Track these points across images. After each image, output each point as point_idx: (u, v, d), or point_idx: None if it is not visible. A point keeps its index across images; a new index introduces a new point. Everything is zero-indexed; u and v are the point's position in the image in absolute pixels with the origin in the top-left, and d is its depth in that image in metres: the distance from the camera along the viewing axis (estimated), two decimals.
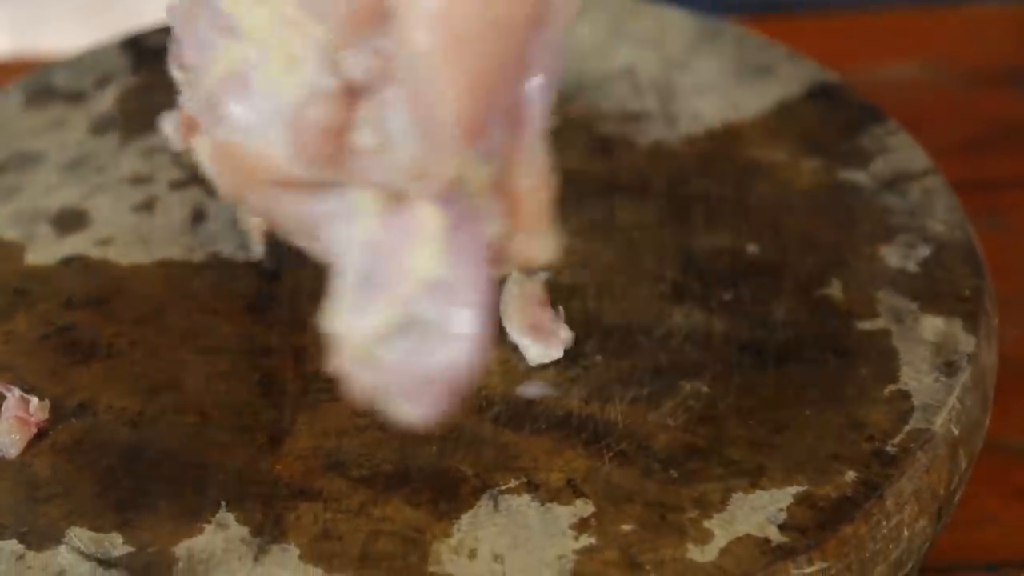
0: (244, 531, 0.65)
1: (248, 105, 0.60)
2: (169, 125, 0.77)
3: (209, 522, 0.65)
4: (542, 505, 0.65)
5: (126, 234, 0.79)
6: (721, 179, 0.79)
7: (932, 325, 0.72)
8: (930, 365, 0.70)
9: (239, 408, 0.70)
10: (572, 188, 0.70)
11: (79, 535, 0.65)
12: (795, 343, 0.71)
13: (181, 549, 0.64)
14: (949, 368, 0.70)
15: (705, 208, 0.78)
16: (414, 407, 0.59)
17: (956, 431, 0.68)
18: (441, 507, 0.65)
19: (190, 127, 0.65)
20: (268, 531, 0.65)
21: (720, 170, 0.80)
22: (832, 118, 0.83)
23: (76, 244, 0.78)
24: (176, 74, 0.66)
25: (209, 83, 0.61)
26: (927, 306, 0.73)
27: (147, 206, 0.80)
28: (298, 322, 0.73)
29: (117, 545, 0.65)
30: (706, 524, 0.64)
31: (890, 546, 0.65)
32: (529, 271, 0.72)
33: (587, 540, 0.64)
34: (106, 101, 0.86)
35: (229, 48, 0.61)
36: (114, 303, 0.75)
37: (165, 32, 0.90)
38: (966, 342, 0.71)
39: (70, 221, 0.79)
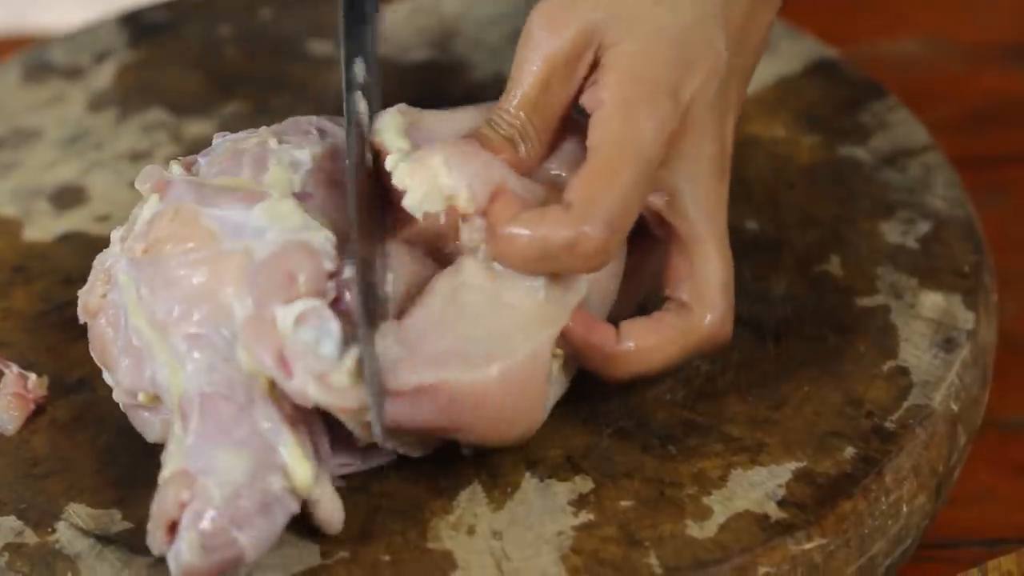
0: None
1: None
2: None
3: None
4: (541, 481, 0.65)
5: (124, 210, 0.78)
6: None
7: (931, 301, 0.72)
8: (929, 341, 0.70)
9: None
10: None
11: (78, 511, 0.65)
12: (794, 319, 0.71)
13: None
14: (948, 344, 0.70)
15: None
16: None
17: (955, 407, 0.68)
18: (440, 484, 0.65)
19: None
20: None
21: None
22: (832, 94, 0.82)
23: (74, 220, 0.78)
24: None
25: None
26: (926, 282, 0.73)
27: None
28: None
29: (116, 521, 0.65)
30: (705, 500, 0.64)
31: (889, 522, 0.65)
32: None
33: (586, 516, 0.64)
34: (104, 77, 0.86)
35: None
36: None
37: (163, 8, 0.90)
38: (965, 318, 0.71)
39: (68, 197, 0.79)
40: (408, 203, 0.64)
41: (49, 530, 0.65)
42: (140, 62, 0.87)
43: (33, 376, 0.69)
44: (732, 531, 0.63)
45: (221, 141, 0.69)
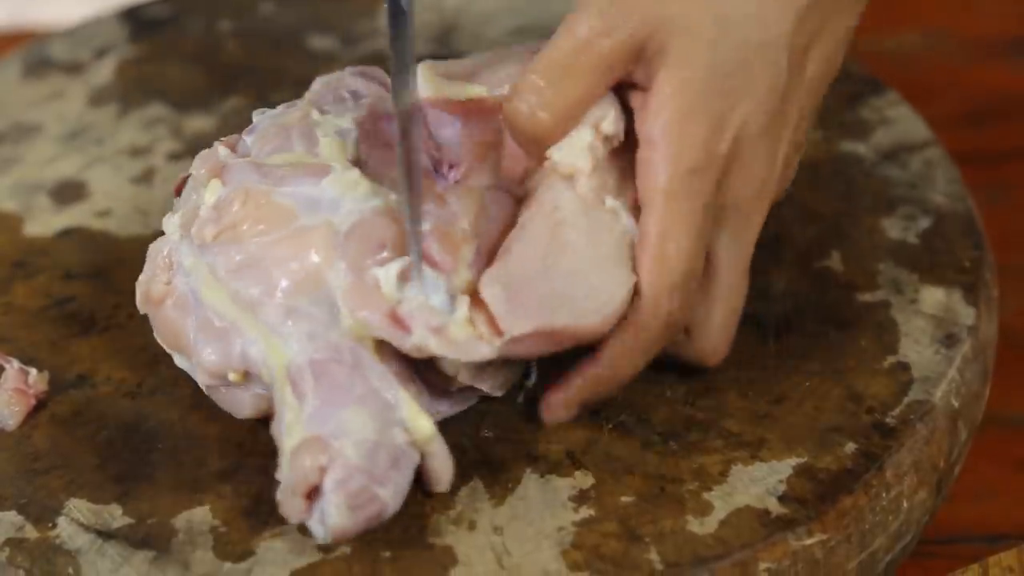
0: (243, 503, 0.65)
1: None
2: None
3: (208, 493, 0.65)
4: (541, 477, 0.65)
5: (125, 206, 0.78)
6: None
7: (932, 297, 0.72)
8: (930, 337, 0.70)
9: None
10: None
11: (78, 506, 0.65)
12: (795, 315, 0.71)
13: (180, 520, 0.64)
14: (949, 340, 0.70)
15: None
16: None
17: (956, 403, 0.68)
18: None
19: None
20: (267, 502, 0.65)
21: None
22: (832, 89, 0.82)
23: (75, 216, 0.78)
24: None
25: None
26: (927, 278, 0.73)
27: (146, 178, 0.80)
28: None
29: (116, 516, 0.65)
30: (706, 496, 0.64)
31: (890, 518, 0.65)
32: None
33: (586, 512, 0.64)
34: (104, 72, 0.86)
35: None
36: (113, 275, 0.75)
37: (163, 3, 0.90)
38: (966, 314, 0.71)
39: (69, 193, 0.79)
40: (565, 148, 0.65)
41: (50, 525, 0.65)
42: (140, 57, 0.87)
43: (34, 371, 0.69)
44: (733, 527, 0.63)
45: (263, 117, 0.69)
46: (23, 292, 0.74)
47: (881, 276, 0.73)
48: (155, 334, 0.68)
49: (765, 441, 0.66)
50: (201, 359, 0.65)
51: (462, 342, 0.63)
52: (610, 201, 0.66)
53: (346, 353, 0.63)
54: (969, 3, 1.07)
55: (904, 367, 0.69)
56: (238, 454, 0.67)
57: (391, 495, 0.62)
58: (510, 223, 0.66)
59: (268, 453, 0.66)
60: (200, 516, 0.64)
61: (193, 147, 0.81)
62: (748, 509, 0.64)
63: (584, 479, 0.65)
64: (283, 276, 0.64)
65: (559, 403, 0.66)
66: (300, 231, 0.65)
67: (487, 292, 0.63)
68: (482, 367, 0.65)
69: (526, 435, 0.67)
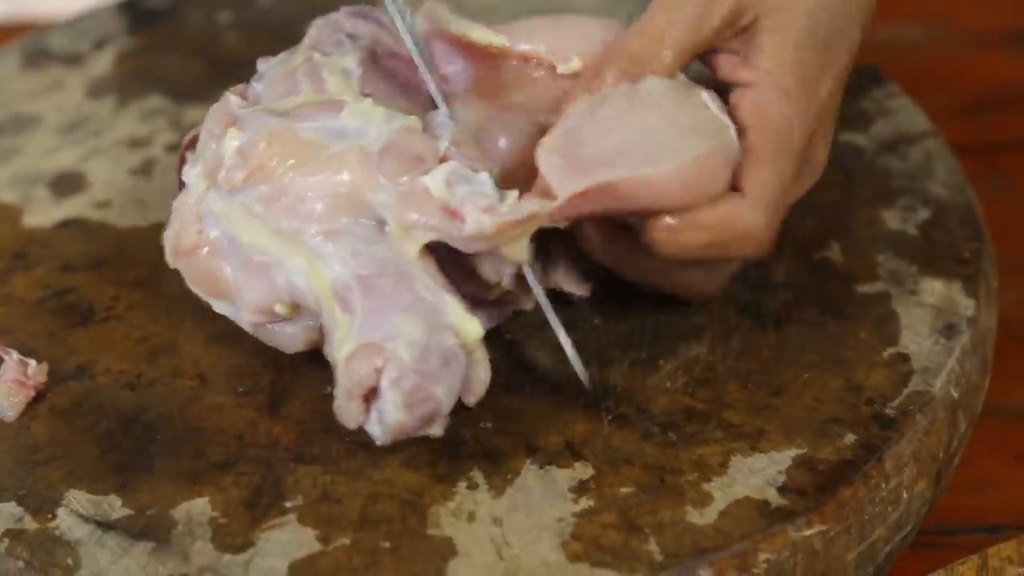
0: (243, 494, 0.65)
1: None
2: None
3: (208, 485, 0.65)
4: (541, 468, 0.65)
5: (124, 197, 0.78)
6: None
7: (932, 288, 0.72)
8: (930, 328, 0.70)
9: (237, 371, 0.69)
10: None
11: (78, 498, 0.65)
12: (794, 306, 0.71)
13: (180, 512, 0.64)
14: (949, 331, 0.70)
15: None
16: None
17: (955, 394, 0.68)
18: (440, 470, 0.65)
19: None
20: (267, 494, 0.65)
21: None
22: None
23: (74, 207, 0.78)
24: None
25: None
26: (927, 269, 0.73)
27: (145, 169, 0.80)
28: None
29: (116, 508, 0.65)
30: (705, 487, 0.64)
31: (889, 509, 0.65)
32: None
33: (586, 503, 0.64)
34: (103, 63, 0.86)
35: None
36: (112, 266, 0.75)
37: None
38: (966, 305, 0.71)
39: (68, 184, 0.79)
40: None
41: (49, 516, 0.65)
42: (139, 48, 0.87)
43: (33, 363, 0.69)
44: (732, 518, 0.63)
45: (268, 66, 0.71)
46: (22, 283, 0.74)
47: (881, 267, 0.73)
48: (189, 283, 0.69)
49: (765, 432, 0.66)
50: (245, 297, 0.67)
51: (515, 212, 0.64)
52: (704, 95, 0.67)
53: (390, 266, 0.65)
54: None
55: (904, 358, 0.69)
56: (238, 445, 0.67)
57: (444, 393, 0.63)
58: (528, 144, 0.67)
59: (267, 445, 0.66)
60: (200, 507, 0.64)
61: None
62: (748, 500, 0.64)
63: (584, 470, 0.65)
64: (321, 201, 0.66)
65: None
66: (332, 158, 0.66)
67: (542, 159, 0.65)
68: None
69: (525, 426, 0.67)
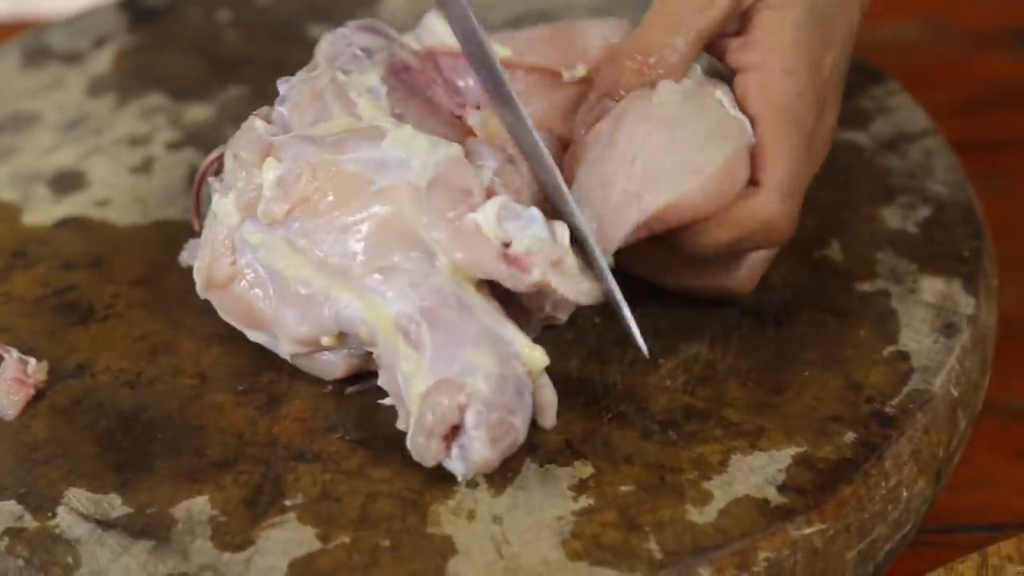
0: (243, 492, 0.65)
1: None
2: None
3: (208, 483, 0.65)
4: (541, 466, 0.65)
5: (124, 195, 0.78)
6: None
7: (932, 286, 0.72)
8: (929, 326, 0.70)
9: (237, 370, 0.69)
10: None
11: (78, 496, 0.65)
12: (794, 304, 0.71)
13: (180, 510, 0.64)
14: (948, 329, 0.70)
15: None
16: None
17: (955, 392, 0.68)
18: (440, 469, 0.65)
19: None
20: (267, 492, 0.65)
21: None
22: None
23: (74, 205, 0.78)
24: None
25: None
26: (927, 267, 0.73)
27: (144, 167, 0.80)
28: None
29: (116, 506, 0.65)
30: (705, 485, 0.64)
31: (889, 507, 0.65)
32: None
33: (586, 501, 0.64)
34: (103, 61, 0.86)
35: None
36: (112, 264, 0.75)
37: None
38: (965, 303, 0.71)
39: (68, 182, 0.79)
40: None
41: (49, 515, 0.65)
42: (139, 47, 0.87)
43: (33, 361, 0.69)
44: (732, 516, 0.63)
45: (290, 86, 0.70)
46: (22, 281, 0.74)
47: (880, 265, 0.73)
48: (222, 314, 0.68)
49: (764, 430, 0.66)
50: (288, 329, 0.67)
51: (577, 275, 0.65)
52: (718, 93, 0.67)
53: (451, 297, 0.65)
54: None
55: (903, 356, 0.69)
56: (237, 444, 0.67)
57: (522, 423, 0.64)
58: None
59: (267, 443, 0.66)
60: (199, 506, 0.64)
61: (192, 136, 0.81)
62: (747, 498, 0.64)
63: (583, 468, 0.65)
64: (370, 237, 0.65)
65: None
66: (381, 193, 0.66)
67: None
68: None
69: None
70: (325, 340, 0.66)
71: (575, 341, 0.70)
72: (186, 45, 0.87)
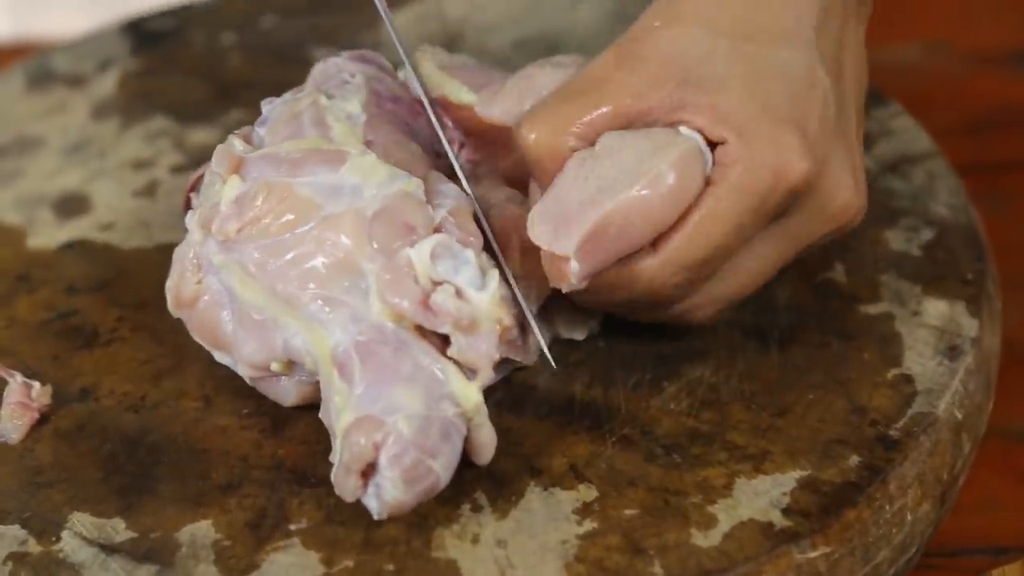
0: (247, 516, 0.65)
1: None
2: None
3: (212, 507, 0.65)
4: (545, 490, 0.65)
5: (127, 219, 0.78)
6: None
7: (935, 309, 0.72)
8: (933, 349, 0.70)
9: (242, 393, 0.69)
10: None
11: (82, 520, 0.65)
12: (798, 327, 0.71)
13: (184, 534, 0.64)
14: (952, 352, 0.70)
15: None
16: None
17: (959, 415, 0.68)
18: (444, 493, 0.65)
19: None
20: (271, 516, 0.65)
21: None
22: None
23: (77, 229, 0.78)
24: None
25: None
26: (930, 289, 0.73)
27: (148, 191, 0.80)
28: None
29: (120, 530, 0.65)
30: (709, 509, 0.64)
31: (893, 530, 0.65)
32: None
33: (590, 525, 0.64)
34: (107, 85, 0.86)
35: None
36: (116, 288, 0.75)
37: (166, 16, 0.90)
38: (969, 326, 0.71)
39: (71, 206, 0.79)
40: None
41: (53, 539, 0.64)
42: (143, 70, 0.87)
43: (37, 385, 0.69)
44: (736, 540, 0.63)
45: (272, 107, 0.70)
46: (26, 305, 0.74)
47: (884, 288, 0.73)
48: (192, 334, 0.68)
49: (769, 454, 0.66)
50: (242, 353, 0.66)
51: (487, 334, 0.64)
52: (684, 130, 0.66)
53: (389, 333, 0.64)
54: (969, 15, 1.07)
55: (907, 379, 0.69)
56: (242, 467, 0.67)
57: (443, 467, 0.63)
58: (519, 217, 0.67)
59: (271, 467, 0.66)
60: (203, 530, 0.64)
61: (196, 160, 0.81)
62: (752, 522, 0.64)
63: (587, 492, 0.65)
64: (316, 266, 0.65)
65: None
66: (327, 220, 0.65)
67: (534, 231, 0.64)
68: (511, 340, 0.66)
69: (529, 448, 0.67)
70: (274, 366, 0.66)
71: (578, 364, 0.70)
72: (190, 68, 0.87)
